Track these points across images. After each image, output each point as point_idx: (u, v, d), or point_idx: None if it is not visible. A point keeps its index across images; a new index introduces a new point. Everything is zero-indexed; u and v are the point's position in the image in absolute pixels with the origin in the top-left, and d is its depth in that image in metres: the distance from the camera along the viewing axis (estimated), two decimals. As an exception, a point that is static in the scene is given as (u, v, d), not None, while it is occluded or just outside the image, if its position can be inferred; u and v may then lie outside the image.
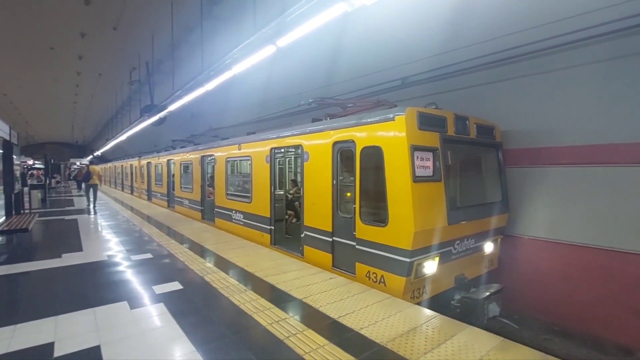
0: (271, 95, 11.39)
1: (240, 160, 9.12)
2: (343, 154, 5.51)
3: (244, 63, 5.87)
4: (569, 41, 5.22)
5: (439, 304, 4.90)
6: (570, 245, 5.55)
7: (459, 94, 6.90)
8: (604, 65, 5.05)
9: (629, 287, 4.91)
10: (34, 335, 3.26)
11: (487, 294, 4.98)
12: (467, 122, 5.37)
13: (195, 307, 3.94)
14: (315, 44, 8.16)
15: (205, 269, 5.44)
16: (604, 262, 5.14)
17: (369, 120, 4.95)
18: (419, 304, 4.59)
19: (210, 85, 7.41)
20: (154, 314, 3.75)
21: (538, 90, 5.88)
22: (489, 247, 5.82)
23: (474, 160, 6.25)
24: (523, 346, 3.09)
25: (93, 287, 4.66)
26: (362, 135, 5.04)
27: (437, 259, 4.77)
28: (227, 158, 9.41)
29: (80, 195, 19.60)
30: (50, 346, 3.07)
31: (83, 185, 15.40)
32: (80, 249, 6.84)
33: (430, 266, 4.69)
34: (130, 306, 3.98)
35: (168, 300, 4.16)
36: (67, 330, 3.38)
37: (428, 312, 3.90)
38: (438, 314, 3.81)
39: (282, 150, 7.65)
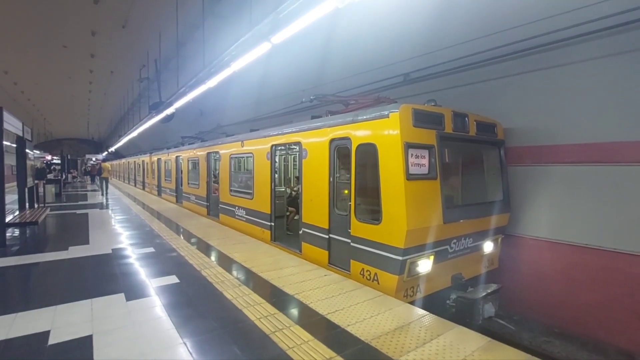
0: (278, 92, 11.44)
1: (243, 157, 9.21)
2: (340, 151, 5.51)
3: (242, 60, 5.91)
4: (572, 35, 5.05)
5: (434, 303, 4.86)
6: (572, 245, 5.41)
7: (461, 90, 6.79)
8: (608, 61, 4.88)
9: (632, 290, 4.77)
10: (32, 324, 3.40)
11: (483, 294, 4.92)
12: (466, 119, 5.28)
13: (189, 301, 4.03)
14: (317, 40, 8.15)
15: (203, 263, 5.54)
16: (606, 264, 5.00)
17: (364, 117, 4.93)
18: (412, 302, 4.56)
19: (211, 83, 7.50)
20: (148, 306, 3.85)
21: (541, 86, 5.73)
22: (488, 246, 5.73)
23: (475, 158, 6.15)
24: (509, 347, 3.05)
25: (94, 278, 4.81)
26: (357, 132, 5.02)
27: (431, 257, 4.73)
28: (230, 155, 9.52)
29: (95, 190, 20.34)
30: (46, 334, 3.20)
31: (97, 179, 18.53)
32: (87, 242, 7.06)
33: (425, 265, 4.66)
34: (127, 298, 4.10)
35: (164, 293, 4.26)
36: (64, 319, 3.51)
37: (418, 310, 3.88)
38: (428, 312, 3.79)
39: (283, 147, 7.69)
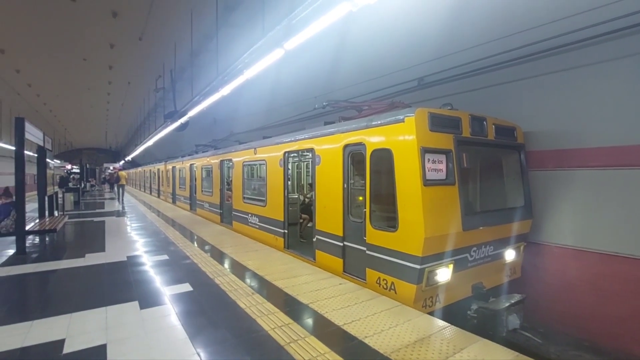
0: (290, 99, 11.50)
1: (256, 164, 9.23)
2: (354, 157, 5.41)
3: (255, 67, 5.93)
4: (598, 34, 4.85)
5: (454, 314, 4.66)
6: (601, 254, 5.12)
7: (479, 93, 6.62)
8: (637, 59, 4.65)
9: (669, 302, 4.46)
10: (48, 332, 3.40)
11: (507, 304, 4.69)
12: (484, 122, 5.12)
13: (202, 309, 3.97)
14: (329, 47, 8.15)
15: (217, 271, 5.50)
16: (639, 273, 4.70)
17: (379, 122, 4.84)
18: (431, 313, 4.40)
19: (224, 91, 7.56)
20: (162, 315, 3.81)
21: (564, 88, 5.52)
22: (510, 254, 5.49)
23: (494, 163, 5.95)
24: (539, 363, 2.85)
25: (109, 286, 4.82)
26: (372, 137, 4.93)
27: (451, 266, 4.55)
28: (243, 162, 9.55)
29: (112, 198, 20.85)
30: (61, 343, 3.18)
31: (115, 186, 20.29)
32: (103, 249, 7.14)
33: (444, 274, 4.48)
34: (141, 306, 4.07)
35: (177, 301, 4.22)
36: (79, 328, 3.50)
37: (439, 322, 3.71)
38: (449, 324, 3.62)
39: (296, 154, 7.66)
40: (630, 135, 4.83)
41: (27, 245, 7.06)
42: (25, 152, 6.83)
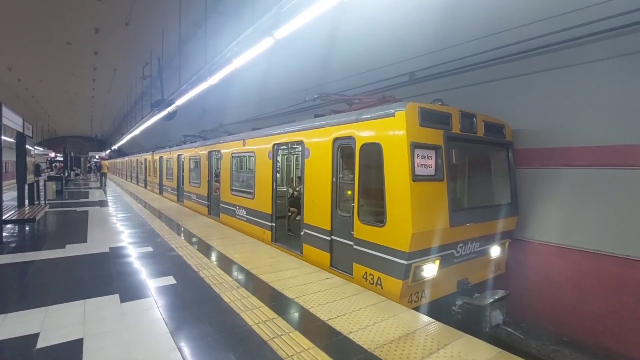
0: (280, 91, 11.33)
1: (244, 156, 9.09)
2: (343, 151, 5.36)
3: (244, 56, 5.78)
4: (585, 34, 4.88)
5: (439, 309, 4.70)
6: (583, 251, 5.23)
7: (468, 90, 6.62)
8: (622, 60, 4.70)
9: (646, 299, 4.58)
10: (21, 325, 3.27)
11: (490, 300, 4.74)
12: (474, 119, 5.12)
13: (185, 303, 3.89)
14: (321, 38, 8.02)
15: (202, 264, 5.41)
16: (619, 271, 4.81)
17: (369, 116, 4.78)
18: (417, 308, 4.41)
19: (213, 80, 7.37)
20: (143, 309, 3.72)
21: (552, 87, 5.55)
22: (495, 251, 5.56)
23: (482, 160, 5.98)
24: (521, 359, 2.88)
25: (89, 278, 4.68)
26: (361, 131, 4.87)
27: (437, 262, 4.57)
28: (232, 154, 9.40)
29: (98, 188, 20.47)
30: (34, 337, 3.06)
31: (97, 174, 23.41)
32: (84, 240, 6.94)
33: (430, 269, 4.49)
34: (121, 299, 3.96)
35: (159, 294, 4.13)
36: (55, 321, 3.38)
37: (424, 317, 3.72)
38: (434, 320, 3.63)
39: (285, 146, 7.56)
40: (614, 135, 4.90)
41: (4, 235, 6.83)
42: (6, 138, 6.54)
